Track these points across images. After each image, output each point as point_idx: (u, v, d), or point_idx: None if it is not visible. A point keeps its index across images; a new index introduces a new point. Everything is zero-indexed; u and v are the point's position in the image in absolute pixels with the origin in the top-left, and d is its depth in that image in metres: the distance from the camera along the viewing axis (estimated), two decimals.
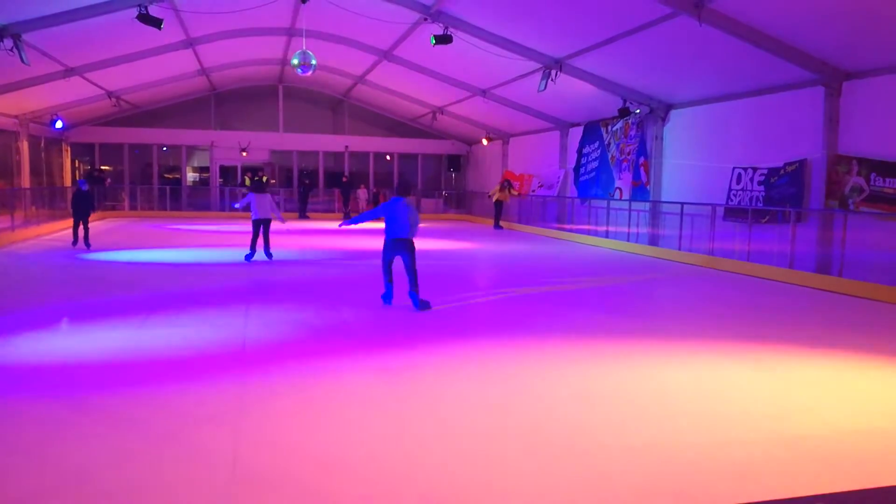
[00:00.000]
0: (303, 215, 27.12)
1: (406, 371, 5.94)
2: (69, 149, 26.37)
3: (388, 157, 30.50)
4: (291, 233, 19.04)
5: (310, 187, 27.83)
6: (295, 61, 14.76)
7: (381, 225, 8.92)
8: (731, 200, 13.96)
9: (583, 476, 3.89)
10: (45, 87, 17.79)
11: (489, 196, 24.21)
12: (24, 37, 12.96)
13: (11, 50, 12.72)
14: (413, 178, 30.74)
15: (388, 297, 9.01)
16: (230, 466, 3.89)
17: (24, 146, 21.00)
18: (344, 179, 28.43)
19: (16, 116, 20.19)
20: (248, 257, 13.13)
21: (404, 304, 8.75)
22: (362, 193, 27.86)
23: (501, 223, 23.73)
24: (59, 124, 22.25)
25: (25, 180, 20.98)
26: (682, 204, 14.89)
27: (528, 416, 4.86)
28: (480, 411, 4.94)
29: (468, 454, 4.15)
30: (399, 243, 8.70)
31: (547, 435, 4.49)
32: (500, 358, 6.41)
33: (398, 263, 8.89)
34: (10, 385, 5.34)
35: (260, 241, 13.07)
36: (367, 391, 5.36)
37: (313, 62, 14.59)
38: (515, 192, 23.85)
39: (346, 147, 29.49)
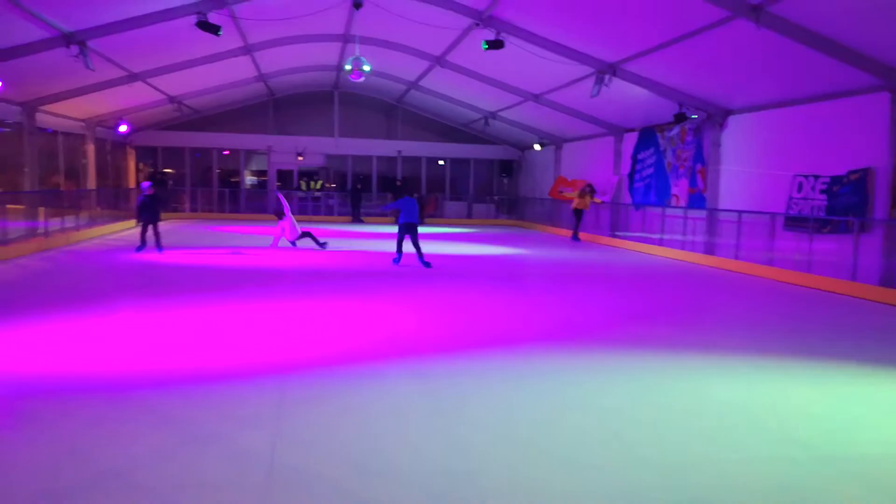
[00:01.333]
0: (356, 219, 27.50)
1: (448, 376, 5.90)
2: (134, 152, 27.30)
3: (440, 163, 30.60)
4: (343, 235, 19.26)
5: (361, 191, 28.16)
6: (348, 66, 14.96)
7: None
8: (792, 209, 13.50)
9: (619, 491, 3.78)
10: (110, 92, 18.45)
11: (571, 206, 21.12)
12: (90, 43, 13.46)
13: (77, 56, 13.22)
14: (465, 183, 30.78)
15: (397, 261, 13.31)
16: (267, 467, 3.93)
17: (91, 149, 21.82)
18: (398, 184, 28.71)
19: (83, 120, 21.01)
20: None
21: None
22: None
23: (580, 235, 21.09)
24: (123, 128, 23.06)
25: (92, 182, 21.80)
26: (740, 212, 14.49)
27: (570, 426, 4.77)
28: (520, 419, 4.86)
29: (506, 461, 4.09)
30: (409, 226, 12.95)
31: (588, 446, 4.39)
32: (544, 366, 6.31)
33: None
34: (58, 381, 5.51)
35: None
36: (407, 394, 5.35)
37: (366, 67, 14.73)
38: (598, 200, 20.94)
39: (399, 152, 29.71)
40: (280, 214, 15.39)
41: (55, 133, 19.29)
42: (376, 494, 3.65)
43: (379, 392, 5.42)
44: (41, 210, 16.40)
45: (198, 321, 7.91)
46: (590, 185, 20.87)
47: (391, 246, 14.43)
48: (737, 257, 14.44)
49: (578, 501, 3.63)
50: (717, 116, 15.98)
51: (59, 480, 3.71)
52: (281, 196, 15.76)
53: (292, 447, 4.24)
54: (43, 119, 17.83)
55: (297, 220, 16.24)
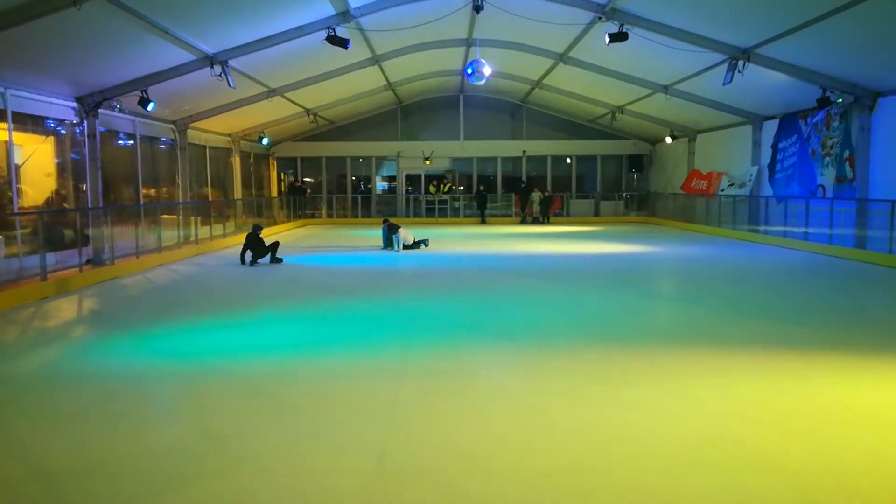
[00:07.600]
0: (483, 221, 27.79)
1: (572, 374, 5.86)
2: (275, 163, 29.05)
3: (567, 160, 30.22)
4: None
5: (484, 193, 28.36)
6: (469, 70, 15.11)
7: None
8: None
9: (727, 496, 3.63)
10: (251, 108, 19.74)
11: None
12: (231, 63, 14.49)
13: (220, 76, 14.27)
14: (592, 180, 30.23)
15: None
16: (377, 460, 4.09)
17: (236, 161, 23.45)
18: (522, 185, 28.69)
19: (229, 135, 22.63)
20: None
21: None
22: (535, 197, 28.02)
23: None
24: (265, 141, 24.60)
25: (237, 192, 23.42)
26: (893, 202, 13.28)
27: (685, 427, 4.60)
28: (631, 419, 4.75)
29: (613, 460, 4.03)
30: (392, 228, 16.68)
31: (704, 449, 4.23)
32: (663, 366, 6.12)
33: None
34: (196, 373, 6.01)
35: None
36: (524, 394, 5.38)
37: (486, 71, 14.82)
38: None
39: (524, 151, 29.65)
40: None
41: (204, 147, 20.88)
42: (484, 491, 3.71)
43: (493, 392, 5.47)
44: (192, 219, 17.84)
45: (327, 318, 8.31)
46: None
47: (516, 247, 14.27)
48: (890, 251, 13.25)
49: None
50: (866, 99, 14.74)
51: (188, 462, 4.06)
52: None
53: (403, 442, 4.39)
54: (193, 135, 19.38)
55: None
